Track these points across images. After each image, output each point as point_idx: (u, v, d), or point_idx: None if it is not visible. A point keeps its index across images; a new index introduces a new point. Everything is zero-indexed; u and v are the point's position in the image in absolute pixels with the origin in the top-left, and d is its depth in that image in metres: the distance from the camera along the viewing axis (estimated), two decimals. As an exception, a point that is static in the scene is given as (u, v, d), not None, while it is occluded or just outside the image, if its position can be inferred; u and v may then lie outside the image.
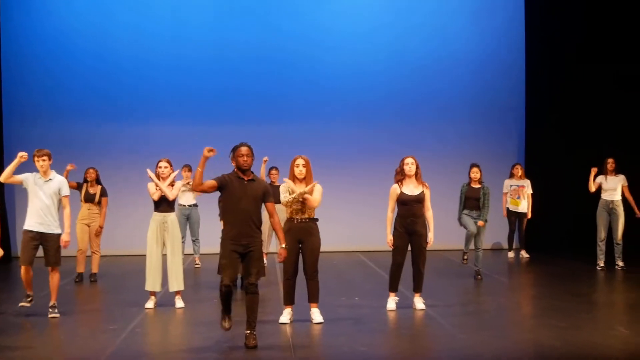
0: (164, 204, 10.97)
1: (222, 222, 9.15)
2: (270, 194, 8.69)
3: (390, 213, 10.63)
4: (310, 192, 9.51)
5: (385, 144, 17.62)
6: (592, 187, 14.49)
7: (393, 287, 10.75)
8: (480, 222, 13.41)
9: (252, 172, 8.62)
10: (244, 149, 8.51)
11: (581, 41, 17.65)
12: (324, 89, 18.07)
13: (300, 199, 9.50)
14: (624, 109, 16.90)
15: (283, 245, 8.67)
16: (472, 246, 13.58)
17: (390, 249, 10.59)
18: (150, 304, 10.92)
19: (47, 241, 10.16)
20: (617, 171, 14.47)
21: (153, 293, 11.00)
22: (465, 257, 13.69)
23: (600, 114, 17.09)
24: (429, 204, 10.61)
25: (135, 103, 17.71)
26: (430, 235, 10.65)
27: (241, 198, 8.40)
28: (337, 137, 17.94)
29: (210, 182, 8.43)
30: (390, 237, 10.53)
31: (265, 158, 14.13)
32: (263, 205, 8.62)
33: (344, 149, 17.89)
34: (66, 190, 10.33)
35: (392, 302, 10.70)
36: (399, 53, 18.29)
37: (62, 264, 10.59)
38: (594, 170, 14.40)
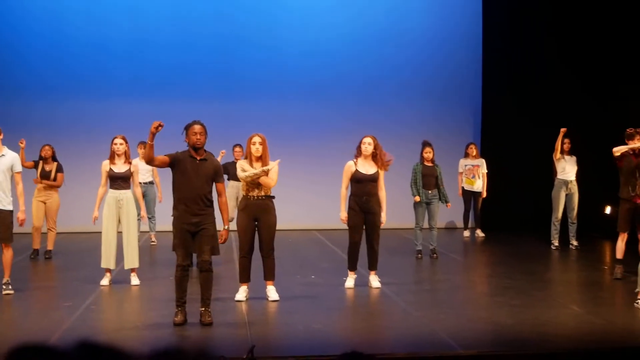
0: (119, 181, 10.94)
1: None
2: (222, 174, 8.74)
3: (344, 190, 10.69)
4: (268, 173, 9.50)
5: (342, 122, 17.62)
6: (558, 151, 14.32)
7: (352, 266, 10.79)
8: (448, 205, 13.56)
9: (206, 151, 8.59)
10: (197, 127, 8.45)
11: (541, 20, 17.70)
12: (282, 68, 17.98)
13: (257, 179, 9.49)
14: (581, 88, 16.90)
15: (226, 227, 8.68)
16: (422, 241, 13.65)
17: (345, 225, 10.64)
18: (105, 281, 10.85)
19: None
20: (571, 152, 14.54)
21: (108, 270, 10.92)
22: (419, 256, 13.60)
23: (557, 94, 17.14)
24: (382, 183, 10.67)
25: (95, 80, 17.48)
26: (383, 215, 10.71)
27: (192, 177, 8.38)
28: (294, 116, 17.88)
29: (162, 157, 8.41)
30: (344, 214, 10.58)
31: (223, 152, 14.08)
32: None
33: (301, 127, 17.84)
34: (19, 167, 10.22)
35: (350, 280, 10.74)
36: (355, 31, 18.23)
37: (18, 240, 10.52)
38: (562, 131, 14.12)
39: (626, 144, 11.17)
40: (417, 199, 13.48)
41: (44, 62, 17.43)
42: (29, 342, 1.05)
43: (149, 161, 8.37)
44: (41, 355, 1.05)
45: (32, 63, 17.42)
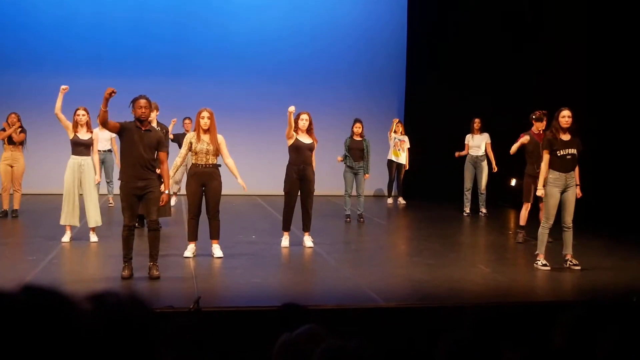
0: (81, 148, 10.78)
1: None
2: (164, 144, 8.79)
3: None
4: (215, 143, 9.52)
5: (281, 96, 17.46)
6: (465, 150, 14.78)
7: (286, 227, 10.81)
8: (366, 175, 13.57)
9: (150, 123, 8.65)
10: (142, 101, 8.45)
11: (464, 3, 17.54)
12: (228, 50, 17.78)
13: (205, 146, 9.52)
14: (500, 70, 16.65)
15: (166, 191, 8.76)
16: (351, 206, 13.68)
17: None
18: (66, 237, 10.70)
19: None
20: (482, 130, 14.71)
21: (69, 227, 10.78)
22: (348, 219, 13.66)
23: (477, 74, 17.03)
24: (314, 155, 10.80)
25: (57, 56, 17.15)
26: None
27: (137, 145, 8.38)
28: (238, 92, 17.68)
29: (114, 123, 8.43)
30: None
31: (174, 120, 14.01)
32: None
33: (243, 102, 17.67)
34: None
35: (285, 240, 10.75)
36: (295, 18, 18.10)
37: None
38: (457, 154, 14.93)
39: (533, 125, 11.42)
40: (339, 159, 13.72)
41: (10, 41, 17.05)
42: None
43: (103, 123, 8.42)
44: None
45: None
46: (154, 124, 10.73)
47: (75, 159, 10.76)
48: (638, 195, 12.91)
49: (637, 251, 10.82)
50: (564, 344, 3.05)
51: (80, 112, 10.84)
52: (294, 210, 10.76)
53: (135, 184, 8.39)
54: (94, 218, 10.78)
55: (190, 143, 9.61)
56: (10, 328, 0.91)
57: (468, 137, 14.71)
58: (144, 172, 8.41)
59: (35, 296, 0.97)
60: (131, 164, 8.41)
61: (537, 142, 10.99)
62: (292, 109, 10.41)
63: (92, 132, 10.87)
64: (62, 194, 10.86)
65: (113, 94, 8.18)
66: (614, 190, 13.28)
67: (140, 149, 8.37)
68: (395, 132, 16.32)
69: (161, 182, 8.90)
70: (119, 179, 8.59)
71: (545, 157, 9.50)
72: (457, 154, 14.87)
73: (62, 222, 10.79)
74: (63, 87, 10.31)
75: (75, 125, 10.76)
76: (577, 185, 9.55)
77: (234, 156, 10.01)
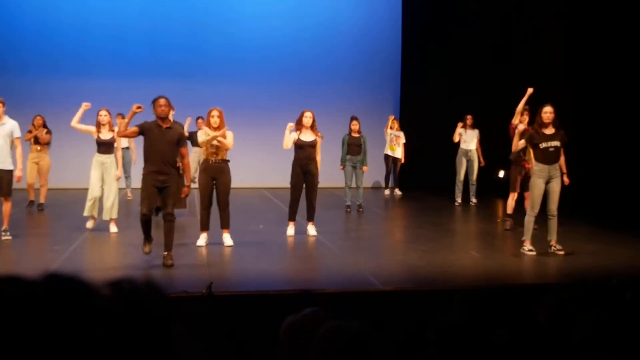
0: (104, 147, 10.91)
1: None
2: (185, 140, 8.84)
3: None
4: (223, 136, 9.51)
5: (285, 96, 17.49)
6: (456, 138, 14.69)
7: (291, 217, 10.81)
8: (364, 168, 13.59)
9: (170, 120, 8.67)
10: (162, 100, 8.52)
11: (458, 3, 17.33)
12: (235, 53, 17.80)
13: (215, 142, 9.51)
14: (494, 69, 16.51)
15: (187, 184, 8.83)
16: (351, 197, 13.73)
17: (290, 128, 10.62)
18: (89, 224, 10.88)
19: (0, 176, 9.89)
20: (473, 126, 14.69)
21: (93, 217, 10.90)
22: (348, 210, 13.68)
23: (468, 73, 16.94)
24: (319, 149, 10.72)
25: (77, 60, 17.17)
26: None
27: (159, 142, 8.44)
28: (245, 91, 17.71)
29: (132, 129, 8.54)
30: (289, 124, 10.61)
31: (189, 119, 14.09)
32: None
33: (250, 101, 17.65)
34: (18, 133, 10.10)
35: (291, 229, 10.76)
36: (296, 20, 18.09)
37: (15, 195, 10.37)
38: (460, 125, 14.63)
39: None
40: (341, 167, 13.74)
41: (29, 47, 17.08)
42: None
43: (121, 134, 8.72)
44: (11, 284, 1.01)
45: (17, 47, 17.06)
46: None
47: (98, 157, 10.91)
48: (618, 183, 12.90)
49: (618, 237, 10.82)
50: (548, 324, 3.06)
51: (103, 112, 11.02)
52: (299, 201, 10.78)
53: (156, 178, 8.46)
54: (112, 210, 10.86)
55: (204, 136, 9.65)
56: (35, 313, 0.92)
57: (462, 130, 14.62)
58: (165, 167, 8.48)
59: (58, 283, 0.98)
60: (153, 160, 8.48)
61: (524, 132, 11.02)
62: (290, 125, 10.56)
63: (113, 132, 10.92)
64: (85, 189, 10.99)
65: (140, 110, 8.43)
66: (596, 179, 13.25)
67: (162, 146, 8.44)
68: (391, 128, 16.31)
69: (181, 177, 8.97)
70: (142, 172, 8.65)
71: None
72: (460, 124, 14.71)
73: (85, 214, 10.92)
74: (85, 104, 10.58)
75: (98, 125, 10.88)
76: (564, 173, 9.60)
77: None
